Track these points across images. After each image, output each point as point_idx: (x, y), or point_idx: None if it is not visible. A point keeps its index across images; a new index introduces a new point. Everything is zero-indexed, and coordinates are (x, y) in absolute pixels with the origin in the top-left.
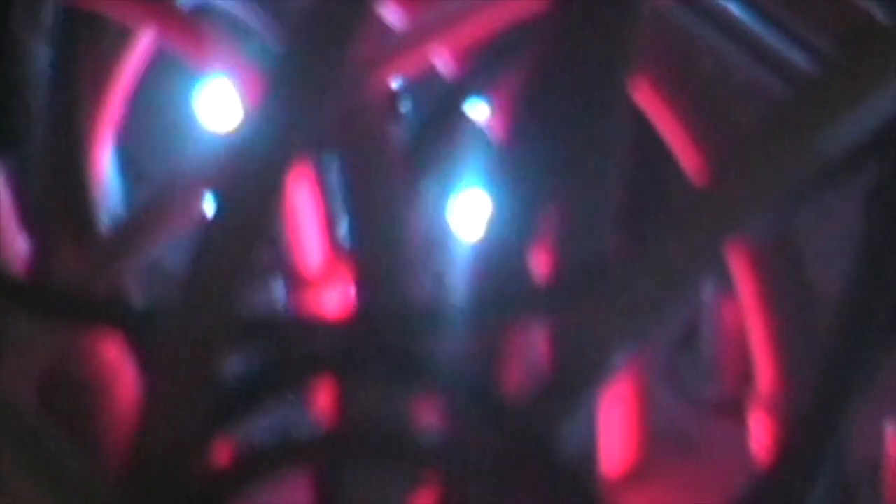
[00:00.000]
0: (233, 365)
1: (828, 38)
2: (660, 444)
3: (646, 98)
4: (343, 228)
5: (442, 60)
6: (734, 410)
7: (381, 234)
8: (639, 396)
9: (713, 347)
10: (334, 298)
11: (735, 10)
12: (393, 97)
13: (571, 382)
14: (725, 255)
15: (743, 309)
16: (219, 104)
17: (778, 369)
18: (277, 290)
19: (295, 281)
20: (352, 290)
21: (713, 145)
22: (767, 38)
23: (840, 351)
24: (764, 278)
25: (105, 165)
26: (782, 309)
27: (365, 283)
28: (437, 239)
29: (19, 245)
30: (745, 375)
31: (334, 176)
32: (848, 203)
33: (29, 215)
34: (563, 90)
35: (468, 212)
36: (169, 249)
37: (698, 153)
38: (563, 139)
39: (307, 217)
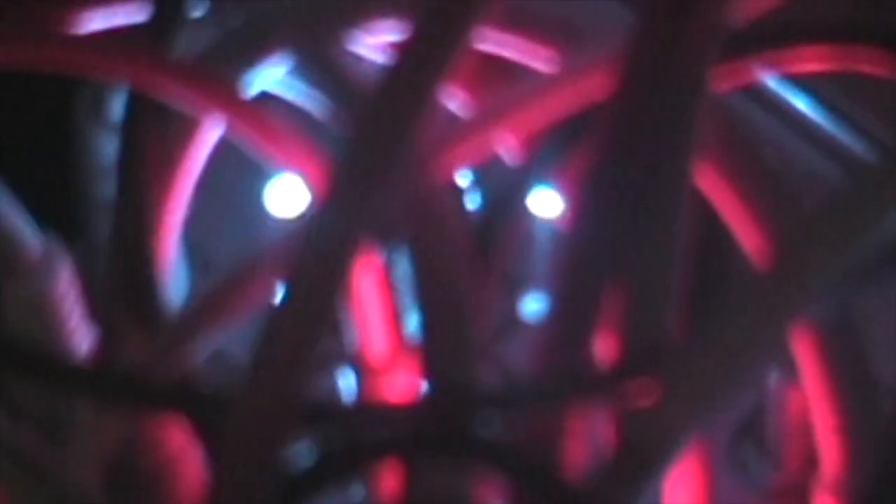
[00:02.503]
0: (300, 450)
1: (888, 125)
2: None
3: (709, 183)
4: (410, 317)
5: (507, 146)
6: (798, 498)
7: (450, 324)
8: (705, 483)
9: (777, 434)
10: (400, 387)
11: (796, 100)
12: (460, 185)
13: (636, 465)
14: (788, 340)
15: (807, 394)
16: (286, 193)
17: (843, 453)
18: (345, 379)
19: (361, 370)
20: (417, 379)
21: (776, 229)
22: (828, 127)
23: None
24: (828, 363)
25: (171, 253)
26: (846, 393)
27: (432, 371)
28: (505, 324)
29: (86, 333)
30: (809, 462)
31: (402, 264)
32: None
33: (95, 304)
34: (627, 174)
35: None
36: (233, 339)
37: (761, 237)
38: (627, 223)
39: (374, 306)
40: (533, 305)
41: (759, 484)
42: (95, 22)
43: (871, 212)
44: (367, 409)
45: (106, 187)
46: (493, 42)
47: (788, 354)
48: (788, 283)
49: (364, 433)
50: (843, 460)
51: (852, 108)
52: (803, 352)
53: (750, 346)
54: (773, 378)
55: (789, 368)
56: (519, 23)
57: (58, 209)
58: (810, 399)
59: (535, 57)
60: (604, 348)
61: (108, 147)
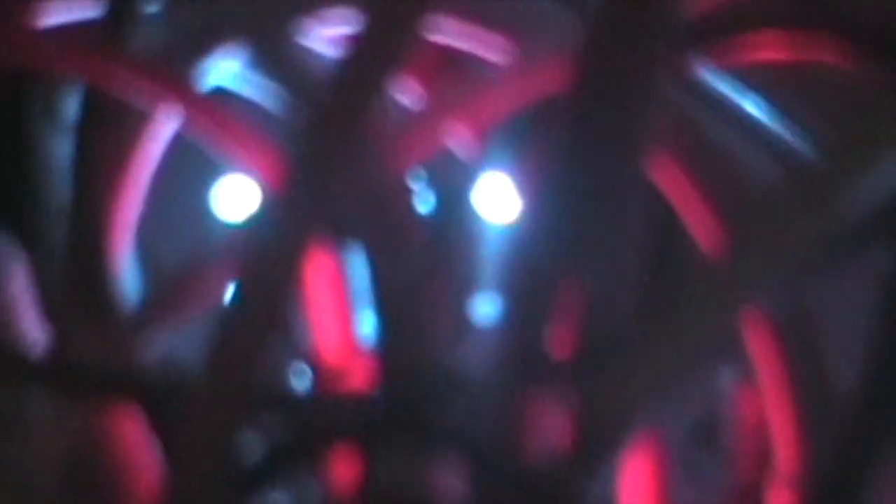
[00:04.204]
0: (255, 440)
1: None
2: None
3: (662, 174)
4: (365, 310)
5: (460, 140)
6: (753, 497)
7: (404, 316)
8: (659, 484)
9: (731, 434)
10: (355, 380)
11: (742, 99)
12: (412, 178)
13: (592, 449)
14: (743, 338)
15: (761, 390)
16: (236, 194)
17: (799, 447)
18: (300, 373)
19: (316, 363)
20: (373, 372)
21: (726, 219)
22: (772, 125)
23: (858, 425)
24: (783, 357)
25: (124, 252)
26: (801, 385)
27: (387, 364)
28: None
29: (38, 332)
30: (764, 461)
31: (356, 259)
32: (861, 285)
33: (47, 303)
34: (581, 166)
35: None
36: (185, 340)
37: (713, 226)
38: (583, 214)
39: (328, 302)
40: (485, 304)
41: (713, 484)
42: (51, 17)
43: (815, 208)
44: (322, 399)
45: (59, 188)
46: (447, 33)
47: (742, 354)
48: (741, 271)
49: (319, 422)
50: (799, 454)
51: (795, 107)
52: (758, 347)
53: (702, 333)
54: (726, 378)
55: (742, 368)
56: (473, 14)
57: (10, 211)
58: (766, 393)
59: (489, 49)
60: (561, 338)
61: (60, 148)
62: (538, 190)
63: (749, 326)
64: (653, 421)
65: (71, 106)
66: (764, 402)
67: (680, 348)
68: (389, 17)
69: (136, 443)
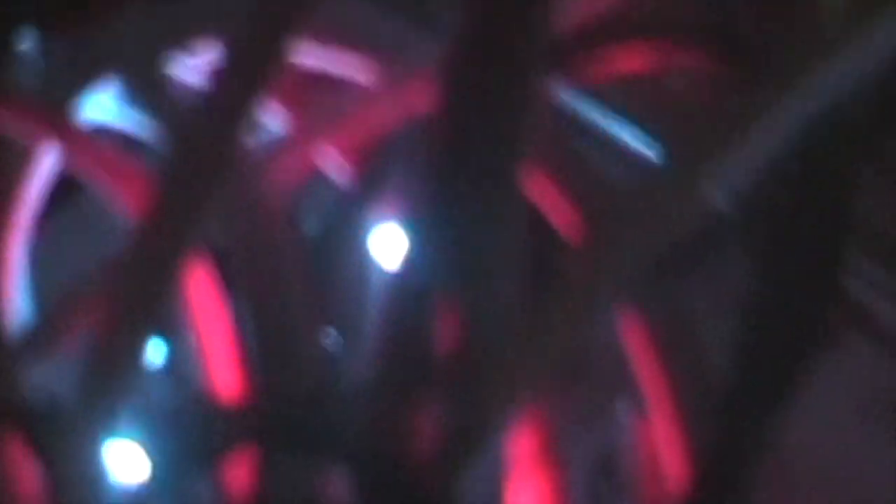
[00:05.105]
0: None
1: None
2: None
3: (531, 182)
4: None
5: (331, 161)
6: None
7: (281, 332)
8: None
9: (630, 466)
10: (237, 392)
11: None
12: (288, 199)
13: (465, 449)
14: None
15: (649, 412)
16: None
17: (687, 465)
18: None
19: (197, 376)
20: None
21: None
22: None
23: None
24: (661, 361)
25: (9, 285)
26: (682, 391)
27: (268, 371)
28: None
29: None
30: (663, 491)
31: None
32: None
33: None
34: (459, 177)
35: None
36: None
37: (579, 229)
38: (461, 223)
39: (207, 313)
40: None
41: None
42: None
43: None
44: (210, 409)
45: None
46: (311, 56)
47: (638, 393)
48: (605, 262)
49: (209, 431)
50: (688, 472)
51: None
52: (638, 356)
53: (575, 323)
54: (623, 412)
55: (639, 403)
56: (337, 36)
57: None
58: (651, 410)
59: (355, 70)
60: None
61: None
62: (415, 199)
63: (627, 335)
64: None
65: None
66: (652, 424)
67: (554, 344)
68: (252, 42)
69: (15, 462)
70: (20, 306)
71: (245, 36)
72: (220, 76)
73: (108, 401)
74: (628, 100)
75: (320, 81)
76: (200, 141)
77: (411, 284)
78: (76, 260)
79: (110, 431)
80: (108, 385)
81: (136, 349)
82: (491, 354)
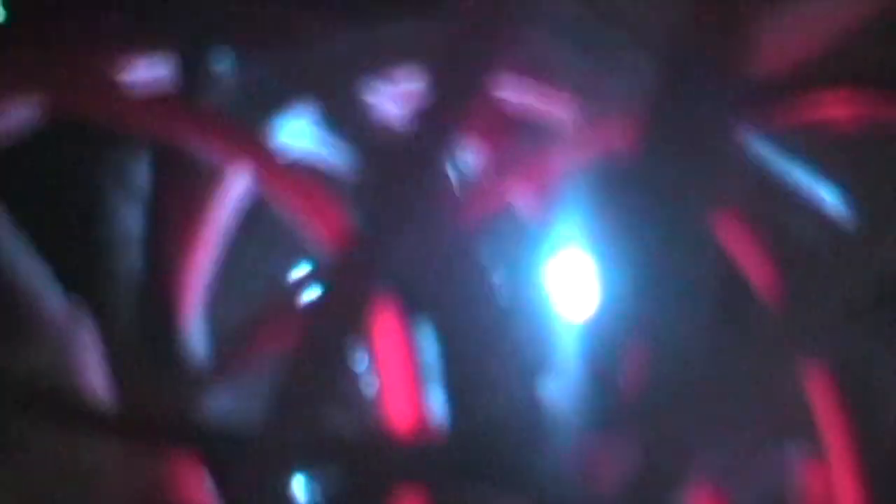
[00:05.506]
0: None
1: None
2: None
3: (725, 229)
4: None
5: (523, 199)
6: None
7: (472, 365)
8: None
9: None
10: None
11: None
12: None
13: (656, 486)
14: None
15: (828, 462)
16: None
17: None
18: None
19: (381, 411)
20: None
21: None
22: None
23: None
24: (844, 412)
25: (193, 310)
26: (863, 447)
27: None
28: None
29: (105, 387)
30: None
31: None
32: None
33: (115, 360)
34: (648, 222)
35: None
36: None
37: (772, 280)
38: (653, 271)
39: (393, 348)
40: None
41: None
42: (124, 74)
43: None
44: (385, 447)
45: (129, 252)
46: (512, 91)
47: (810, 427)
48: (798, 320)
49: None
50: None
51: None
52: (821, 407)
53: (765, 380)
54: (794, 450)
55: (810, 442)
56: (537, 71)
57: (79, 273)
58: (831, 459)
59: (553, 106)
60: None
61: (131, 214)
62: (605, 247)
63: (811, 386)
64: (715, 468)
65: (141, 172)
66: (830, 471)
67: (744, 395)
68: (456, 75)
69: (196, 492)
70: (204, 330)
71: (449, 67)
72: (424, 108)
73: (300, 433)
74: (817, 149)
75: (511, 118)
76: (400, 172)
77: (604, 326)
78: (257, 280)
79: (299, 463)
80: (301, 416)
81: (329, 382)
82: (678, 399)
